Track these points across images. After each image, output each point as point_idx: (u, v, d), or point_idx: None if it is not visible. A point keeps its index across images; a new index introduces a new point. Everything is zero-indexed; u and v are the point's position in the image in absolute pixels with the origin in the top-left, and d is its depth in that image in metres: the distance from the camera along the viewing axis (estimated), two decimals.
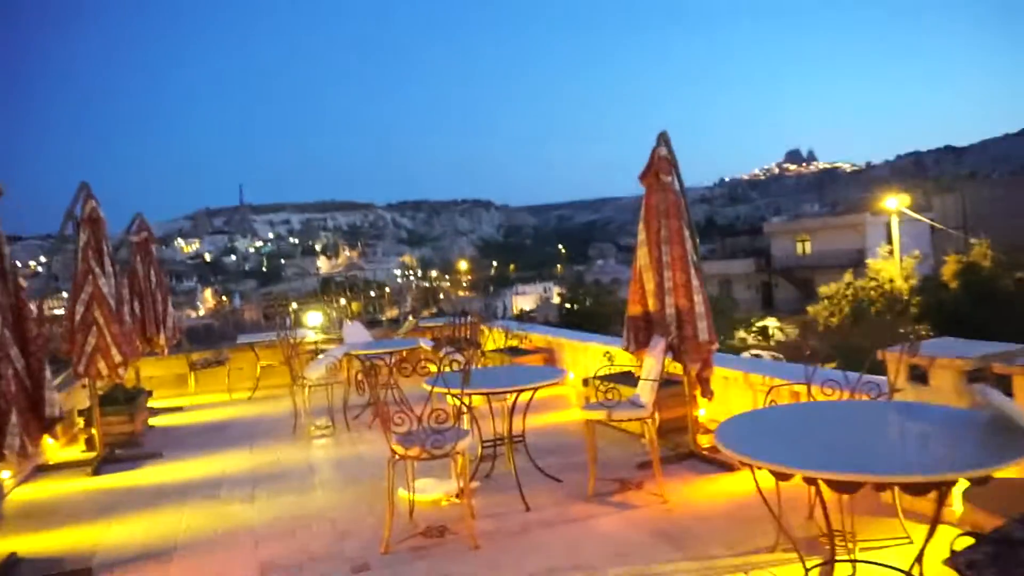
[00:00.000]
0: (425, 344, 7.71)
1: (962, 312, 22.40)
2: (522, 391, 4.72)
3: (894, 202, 35.82)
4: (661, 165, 5.31)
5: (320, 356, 7.31)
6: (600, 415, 4.63)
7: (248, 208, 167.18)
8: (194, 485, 5.74)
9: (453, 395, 4.35)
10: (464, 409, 4.31)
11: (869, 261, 35.34)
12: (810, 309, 29.35)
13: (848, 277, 28.68)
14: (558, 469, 5.29)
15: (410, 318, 10.30)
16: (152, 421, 8.35)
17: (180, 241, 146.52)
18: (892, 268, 32.00)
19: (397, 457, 4.08)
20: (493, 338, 9.73)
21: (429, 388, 4.29)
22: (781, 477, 2.67)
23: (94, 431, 6.57)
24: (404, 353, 7.57)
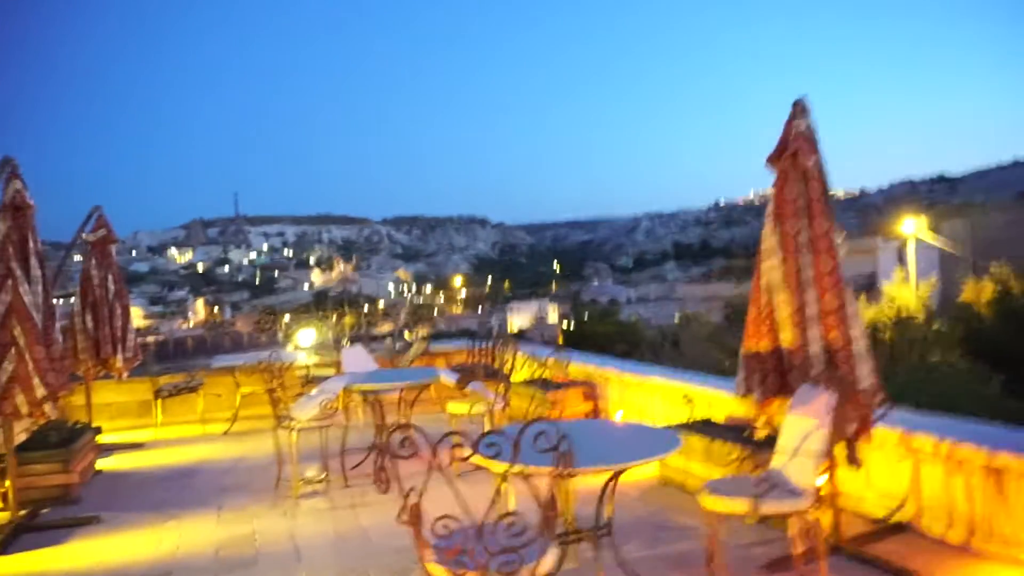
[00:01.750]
0: (447, 377, 6.11)
1: (1000, 340, 21.01)
2: (625, 469, 3.11)
3: (911, 225, 34.56)
4: (800, 144, 3.79)
5: (313, 391, 5.72)
6: (740, 507, 3.05)
7: (243, 219, 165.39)
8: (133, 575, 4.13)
9: (527, 473, 2.74)
10: (551, 499, 2.69)
11: (884, 286, 34.08)
12: None
13: (862, 302, 27.30)
14: (650, 567, 3.72)
15: (418, 340, 8.73)
16: (102, 463, 6.72)
17: (173, 251, 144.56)
18: (907, 293, 30.70)
19: None
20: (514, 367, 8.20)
21: (500, 469, 2.69)
22: None
23: (7, 485, 4.95)
24: (419, 389, 6.02)
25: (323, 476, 5.73)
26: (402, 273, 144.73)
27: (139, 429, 8.25)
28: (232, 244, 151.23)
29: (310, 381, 8.27)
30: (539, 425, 2.46)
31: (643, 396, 6.60)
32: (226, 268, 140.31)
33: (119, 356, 7.26)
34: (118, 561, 4.37)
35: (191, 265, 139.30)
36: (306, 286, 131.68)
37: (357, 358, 6.95)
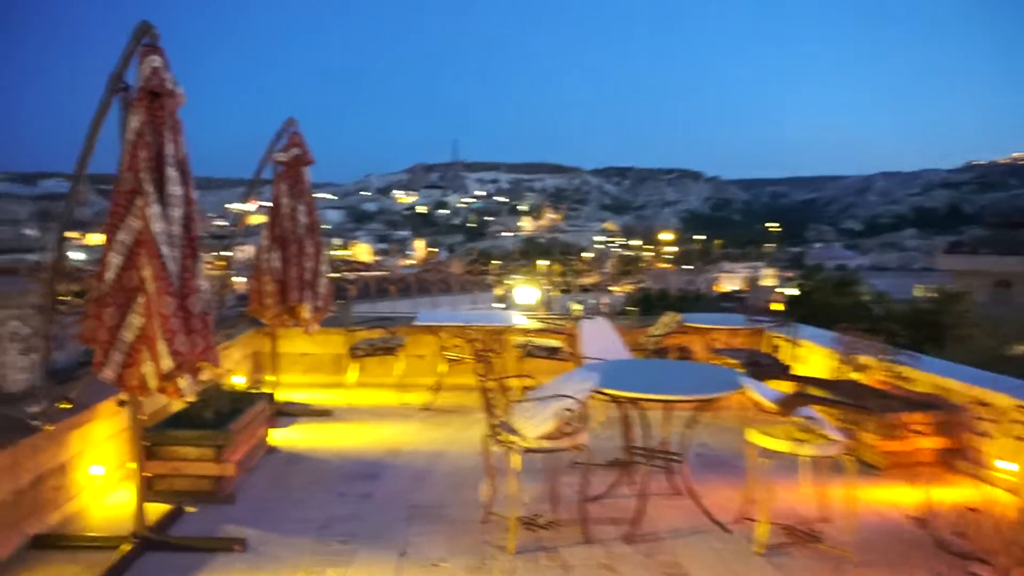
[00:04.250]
0: (754, 390, 3.83)
1: None
2: None
3: None
4: None
5: (543, 388, 3.78)
6: None
7: (461, 165, 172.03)
8: None
9: None
10: None
11: None
12: None
13: None
14: None
15: (667, 315, 6.55)
16: (280, 436, 5.44)
17: (398, 193, 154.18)
18: None
19: None
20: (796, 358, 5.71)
21: None
22: None
23: (132, 487, 3.59)
24: (704, 404, 3.87)
25: (550, 519, 3.86)
26: (609, 225, 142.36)
27: (329, 389, 7.00)
28: (450, 189, 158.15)
29: (530, 353, 6.48)
30: None
31: None
32: (444, 211, 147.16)
33: (307, 305, 5.92)
34: None
35: (413, 207, 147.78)
36: (516, 233, 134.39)
37: (600, 336, 4.94)
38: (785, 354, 6.48)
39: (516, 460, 3.53)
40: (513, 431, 3.55)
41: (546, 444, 3.53)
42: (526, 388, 4.11)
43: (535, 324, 7.08)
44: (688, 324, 6.70)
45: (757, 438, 3.59)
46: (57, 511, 3.70)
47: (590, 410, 4.35)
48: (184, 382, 3.43)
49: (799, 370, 6.19)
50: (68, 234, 3.81)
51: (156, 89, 3.35)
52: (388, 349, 6.64)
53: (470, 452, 5.02)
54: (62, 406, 3.63)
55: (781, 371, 5.73)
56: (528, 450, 3.55)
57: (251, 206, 6.90)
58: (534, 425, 3.48)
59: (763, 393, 3.64)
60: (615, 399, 3.82)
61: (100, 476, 4.09)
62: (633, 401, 3.78)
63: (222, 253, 7.12)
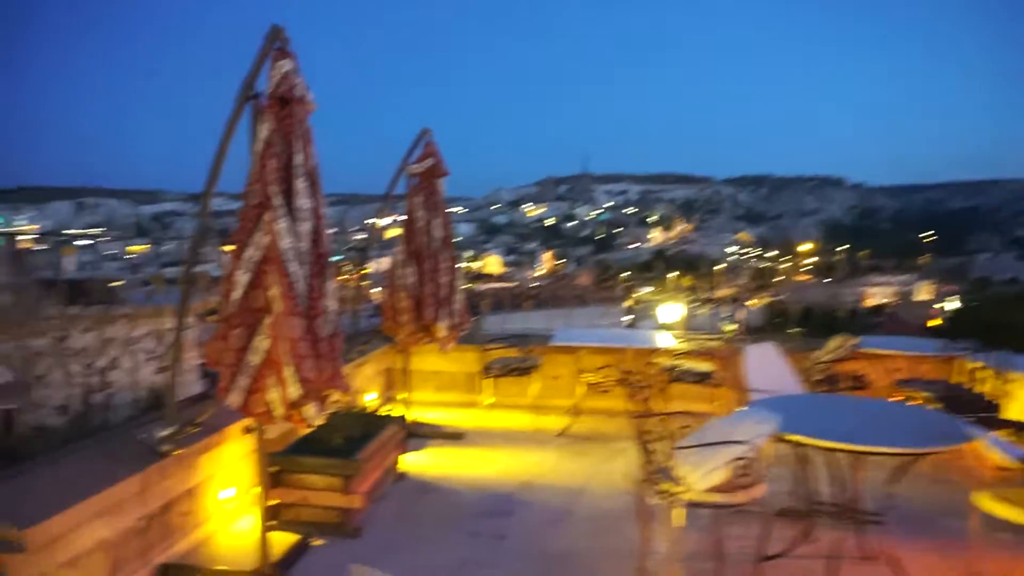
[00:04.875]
0: (995, 448, 3.04)
1: None
2: None
3: None
4: None
5: (706, 429, 3.20)
6: None
7: (590, 177, 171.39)
8: None
9: None
10: None
11: None
12: None
13: None
14: None
15: (839, 338, 5.71)
16: (410, 460, 5.17)
17: (528, 205, 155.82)
18: None
19: None
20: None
21: None
22: None
23: (257, 516, 3.36)
24: (918, 457, 3.15)
25: None
26: (743, 235, 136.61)
27: (462, 409, 6.71)
28: (579, 200, 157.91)
29: (677, 378, 5.88)
30: None
31: None
32: (572, 223, 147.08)
33: (443, 323, 5.63)
34: None
35: (541, 219, 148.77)
36: (644, 244, 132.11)
37: (768, 365, 4.28)
38: (989, 388, 5.47)
39: (679, 515, 2.98)
40: (675, 480, 3.01)
41: (717, 498, 2.96)
42: (684, 427, 3.55)
43: (683, 345, 6.45)
44: (863, 350, 5.83)
45: (991, 505, 2.83)
46: (185, 538, 3.56)
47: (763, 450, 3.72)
48: (311, 410, 3.16)
49: (1012, 411, 5.17)
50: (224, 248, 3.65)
51: (285, 95, 3.12)
52: (523, 370, 6.25)
53: (613, 491, 4.52)
54: (190, 429, 3.48)
55: (984, 409, 4.78)
56: (693, 504, 2.99)
57: (386, 220, 6.77)
58: (702, 475, 2.92)
59: (1002, 449, 2.87)
60: (797, 444, 3.18)
61: (229, 500, 3.93)
62: (825, 449, 3.12)
63: (358, 266, 7.04)
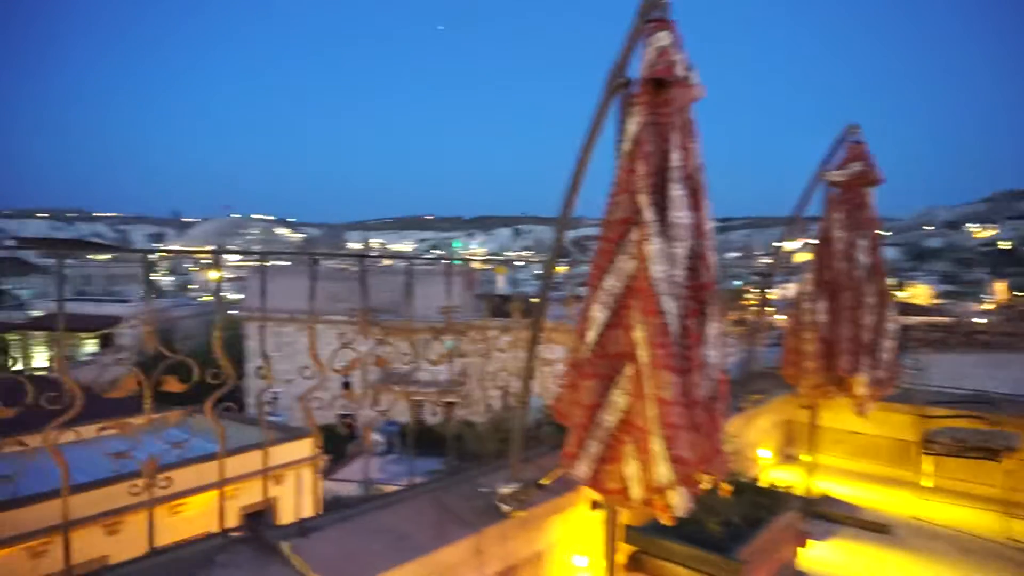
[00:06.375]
0: None
1: None
2: None
3: None
4: None
5: None
6: None
7: None
8: None
9: None
10: None
11: None
12: None
13: None
14: None
15: None
16: (810, 553, 3.98)
17: (972, 226, 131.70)
18: None
19: None
20: None
21: None
22: None
23: None
24: None
25: None
26: None
27: (888, 488, 5.16)
28: None
29: None
30: None
31: None
32: None
33: (863, 377, 4.30)
34: None
35: (993, 242, 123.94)
36: None
37: None
38: None
39: None
40: None
41: None
42: None
43: None
44: None
45: None
46: None
47: None
48: (677, 497, 2.35)
49: None
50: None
51: (662, 75, 2.38)
52: (988, 451, 4.50)
53: None
54: (538, 486, 2.96)
55: None
56: None
57: (795, 243, 5.66)
58: None
59: None
60: None
61: (583, 570, 3.32)
62: None
63: (761, 291, 6.01)
